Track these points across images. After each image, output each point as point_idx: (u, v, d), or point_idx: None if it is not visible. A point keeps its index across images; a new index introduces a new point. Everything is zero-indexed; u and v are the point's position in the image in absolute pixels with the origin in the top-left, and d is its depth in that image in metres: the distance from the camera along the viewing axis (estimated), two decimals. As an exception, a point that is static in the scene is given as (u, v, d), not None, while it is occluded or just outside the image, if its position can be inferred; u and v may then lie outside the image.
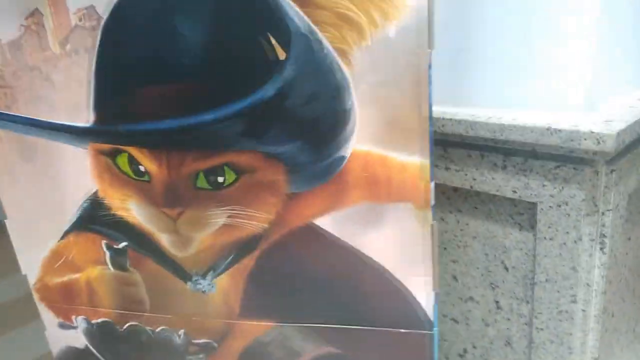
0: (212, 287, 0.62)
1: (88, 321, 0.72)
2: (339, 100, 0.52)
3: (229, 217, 0.58)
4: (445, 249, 0.94)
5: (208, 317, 0.65)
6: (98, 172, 0.61)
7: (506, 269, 0.87)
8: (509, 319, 0.90)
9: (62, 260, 0.69)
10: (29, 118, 0.61)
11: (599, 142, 0.68)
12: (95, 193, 0.63)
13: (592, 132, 0.68)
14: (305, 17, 0.50)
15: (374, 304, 0.60)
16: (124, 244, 0.64)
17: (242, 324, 0.64)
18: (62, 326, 0.74)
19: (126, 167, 0.59)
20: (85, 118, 0.58)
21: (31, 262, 0.71)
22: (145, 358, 0.70)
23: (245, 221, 0.57)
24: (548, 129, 0.72)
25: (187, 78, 0.54)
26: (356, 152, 0.55)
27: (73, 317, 0.73)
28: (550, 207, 0.78)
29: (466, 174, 0.85)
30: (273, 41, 0.51)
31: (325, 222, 0.56)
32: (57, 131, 0.60)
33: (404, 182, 0.55)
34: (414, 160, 0.54)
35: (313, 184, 0.56)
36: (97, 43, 0.56)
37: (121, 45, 0.56)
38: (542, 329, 0.84)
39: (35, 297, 0.74)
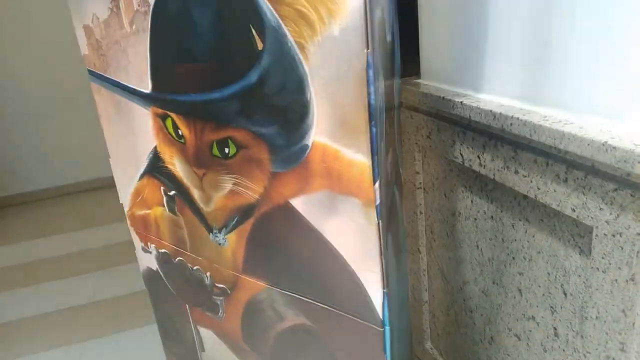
0: (225, 241, 0.72)
1: (156, 249, 0.90)
2: (301, 92, 0.55)
3: (233, 183, 0.66)
4: (513, 258, 0.87)
5: (223, 266, 0.76)
6: (155, 130, 0.76)
7: (565, 294, 0.77)
8: (564, 350, 0.80)
9: (140, 197, 0.87)
10: (114, 80, 0.79)
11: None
12: (155, 147, 0.78)
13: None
14: (274, 12, 0.54)
15: (335, 287, 0.62)
16: (173, 192, 0.79)
17: (244, 279, 0.73)
18: (143, 249, 0.93)
19: (171, 130, 0.72)
20: (147, 85, 0.73)
21: (125, 195, 0.91)
22: (187, 288, 0.85)
23: (243, 189, 0.65)
24: (604, 144, 0.62)
25: (203, 59, 0.63)
26: (316, 143, 0.57)
27: (148, 243, 0.92)
28: (605, 234, 0.67)
29: (531, 181, 0.77)
30: (254, 32, 0.57)
31: (298, 204, 0.60)
32: (130, 93, 0.77)
33: (352, 179, 0.55)
34: (360, 159, 0.55)
35: (288, 166, 0.60)
36: (149, 26, 0.69)
37: (161, 29, 0.68)
38: (589, 371, 0.73)
39: (128, 222, 0.94)
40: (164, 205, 0.82)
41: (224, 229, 0.73)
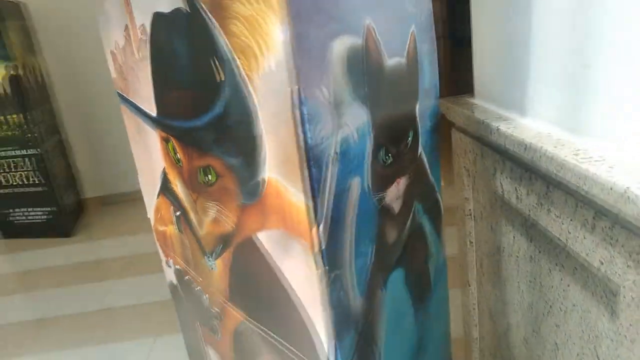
0: (215, 266, 0.71)
1: (173, 264, 0.92)
2: (253, 125, 0.52)
3: (216, 211, 0.66)
4: (551, 307, 0.76)
5: (215, 290, 0.75)
6: (162, 153, 0.77)
7: (597, 358, 0.66)
8: (597, 423, 0.68)
9: (159, 214, 0.89)
10: (133, 102, 0.82)
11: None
12: (164, 168, 0.79)
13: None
14: (228, 44, 0.52)
15: (294, 332, 0.58)
16: (178, 212, 0.80)
17: (230, 307, 0.72)
18: (166, 263, 0.96)
19: (172, 153, 0.73)
20: (154, 109, 0.74)
21: (150, 211, 0.95)
22: (195, 305, 0.85)
23: (224, 217, 0.64)
24: (626, 190, 0.52)
25: (187, 87, 0.63)
26: (270, 178, 0.54)
27: (168, 258, 0.94)
28: (632, 298, 0.56)
29: (563, 223, 0.67)
30: (215, 64, 0.55)
31: (262, 238, 0.57)
32: (144, 116, 0.79)
33: (299, 220, 0.51)
34: (300, 200, 0.50)
35: (252, 198, 0.57)
36: (148, 54, 0.70)
37: (157, 56, 0.69)
38: None
39: (154, 237, 0.97)
40: (174, 224, 0.84)
41: (213, 254, 0.73)
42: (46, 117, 2.76)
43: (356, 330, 0.59)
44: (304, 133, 0.47)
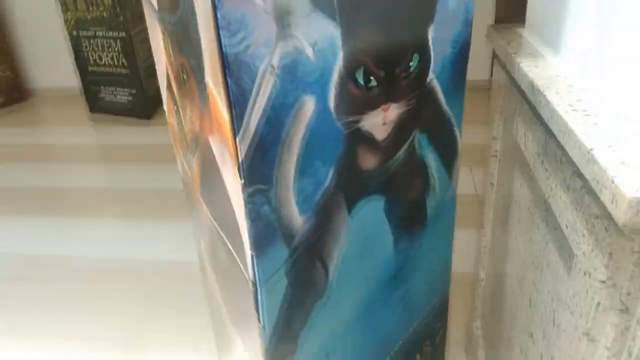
0: (193, 162, 0.72)
1: (178, 158, 0.94)
2: (196, 26, 0.51)
3: (189, 109, 0.66)
4: (532, 263, 0.72)
5: (195, 187, 0.77)
6: (162, 46, 0.77)
7: (553, 323, 0.63)
8: (544, 386, 0.66)
9: (168, 107, 0.90)
10: None
11: None
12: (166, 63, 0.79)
13: None
14: None
15: (235, 235, 0.59)
16: (175, 107, 0.81)
17: (203, 205, 0.74)
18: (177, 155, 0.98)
19: (167, 48, 0.73)
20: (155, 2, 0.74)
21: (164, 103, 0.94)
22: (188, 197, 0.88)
23: (193, 117, 0.64)
24: (589, 152, 0.46)
25: None
26: (208, 83, 0.52)
27: (177, 150, 0.96)
28: (579, 269, 0.51)
29: (549, 178, 0.62)
30: None
31: (212, 143, 0.57)
32: (151, 5, 0.78)
33: (226, 130, 0.49)
34: (223, 109, 0.48)
35: (204, 102, 0.56)
36: None
37: None
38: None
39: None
40: (174, 118, 0.86)
41: (191, 151, 0.74)
42: (134, 2, 2.86)
43: (289, 247, 0.60)
44: (219, 40, 0.45)
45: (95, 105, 3.06)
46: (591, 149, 0.45)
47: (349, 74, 0.59)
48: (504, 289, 0.90)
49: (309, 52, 0.52)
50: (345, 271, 0.72)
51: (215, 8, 0.44)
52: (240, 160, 0.49)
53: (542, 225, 0.67)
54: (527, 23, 0.85)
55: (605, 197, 0.42)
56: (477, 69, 2.69)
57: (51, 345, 1.45)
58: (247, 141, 0.49)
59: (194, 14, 0.50)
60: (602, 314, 0.47)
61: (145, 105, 2.91)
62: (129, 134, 2.82)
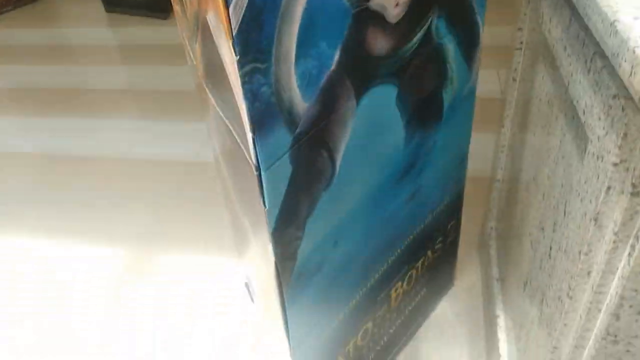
0: (195, 46, 0.69)
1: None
2: None
3: None
4: (548, 156, 0.70)
5: (199, 74, 0.74)
6: None
7: (564, 213, 0.61)
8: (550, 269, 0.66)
9: None
10: None
11: None
12: None
13: None
14: None
15: (236, 116, 0.57)
16: None
17: (207, 92, 0.72)
18: None
19: None
20: None
21: None
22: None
23: None
24: (613, 22, 0.42)
25: None
26: None
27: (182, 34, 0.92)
28: (593, 154, 0.49)
29: (570, 64, 0.58)
30: None
31: (210, 19, 0.54)
32: None
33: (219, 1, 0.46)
34: None
35: None
36: None
37: None
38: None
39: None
40: (178, 4, 0.81)
41: (194, 34, 0.71)
42: None
43: (292, 133, 0.59)
44: None
45: (111, 3, 2.99)
46: (614, 21, 0.41)
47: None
48: (519, 187, 0.88)
49: None
50: (353, 162, 0.71)
51: None
52: (233, 33, 0.47)
53: (561, 116, 0.64)
54: None
55: (624, 70, 0.39)
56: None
57: (74, 242, 1.52)
58: (240, 11, 0.46)
59: None
60: (612, 198, 0.45)
61: (161, 4, 2.83)
62: (146, 33, 2.77)
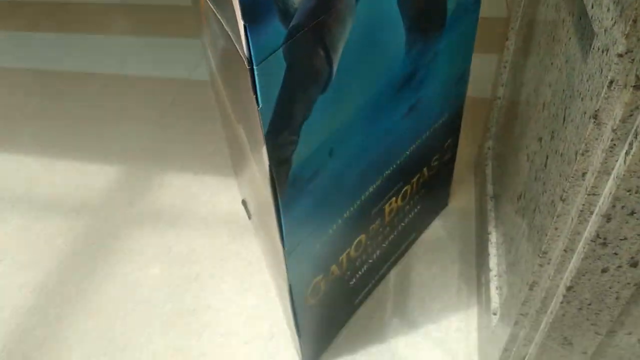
0: None
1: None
2: None
3: None
4: (551, 63, 0.68)
5: None
6: None
7: (563, 119, 0.60)
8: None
9: None
10: None
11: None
12: None
13: None
14: None
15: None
16: None
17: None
18: None
19: None
20: None
21: None
22: None
23: None
24: None
25: None
26: None
27: None
28: (598, 49, 0.47)
29: (582, -44, 0.54)
30: None
31: None
32: None
33: None
34: None
35: None
36: None
37: None
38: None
39: None
40: None
41: None
42: None
43: (287, 26, 0.56)
44: None
45: None
46: None
47: None
48: (519, 102, 0.87)
49: None
50: (351, 65, 0.68)
51: None
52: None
53: (568, 18, 0.62)
54: None
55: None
56: None
57: (70, 160, 1.51)
58: None
59: None
60: (614, 92, 0.44)
61: None
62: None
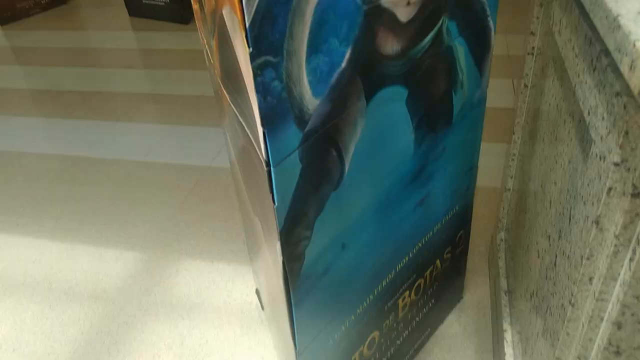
0: (212, 45, 0.70)
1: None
2: None
3: None
4: (555, 162, 0.69)
5: (215, 72, 0.75)
6: None
7: (569, 219, 0.60)
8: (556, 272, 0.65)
9: None
10: None
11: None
12: None
13: None
14: None
15: (249, 111, 0.58)
16: None
17: (223, 89, 0.73)
18: None
19: None
20: None
21: None
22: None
23: None
24: (615, 19, 0.42)
25: None
26: None
27: (200, 33, 0.93)
28: (596, 155, 0.48)
29: (577, 64, 0.57)
30: None
31: (225, 14, 0.55)
32: None
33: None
34: None
35: None
36: None
37: None
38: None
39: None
40: (197, 2, 0.83)
41: (211, 32, 0.72)
42: None
43: (303, 130, 0.59)
44: None
45: (134, 8, 3.06)
46: (617, 15, 0.41)
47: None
48: (527, 196, 0.87)
49: None
50: (362, 163, 0.70)
51: None
52: (246, 26, 0.47)
53: (568, 120, 0.63)
54: None
55: (625, 66, 0.38)
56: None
57: (91, 245, 1.54)
58: (254, 4, 0.47)
59: None
60: (613, 200, 0.44)
61: (183, 9, 2.89)
62: (167, 38, 2.82)
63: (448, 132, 0.84)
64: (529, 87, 0.90)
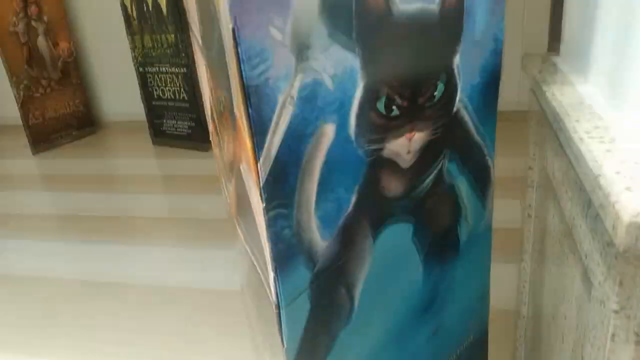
0: (230, 188, 0.76)
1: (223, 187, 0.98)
2: (225, 60, 0.54)
3: (226, 139, 0.69)
4: (563, 295, 0.70)
5: (232, 210, 0.80)
6: (205, 78, 0.82)
7: (582, 358, 0.60)
8: None
9: (213, 138, 0.95)
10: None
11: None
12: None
13: None
14: None
15: (263, 257, 0.61)
16: (217, 138, 0.85)
17: (237, 227, 0.77)
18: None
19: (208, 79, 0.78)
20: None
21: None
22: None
23: (229, 145, 0.67)
24: (596, 177, 0.46)
25: (203, 17, 0.66)
26: (236, 113, 0.55)
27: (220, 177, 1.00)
28: (597, 299, 0.50)
29: (572, 207, 0.60)
30: None
31: (243, 169, 0.60)
32: (194, 36, 0.84)
33: (250, 156, 0.52)
34: (248, 136, 0.51)
35: (235, 129, 0.60)
36: None
37: None
38: None
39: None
40: (217, 147, 0.89)
41: (229, 179, 0.77)
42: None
43: (312, 271, 0.61)
44: (241, 72, 0.49)
45: (159, 135, 3.24)
46: (598, 175, 0.45)
47: (370, 103, 0.61)
48: (541, 326, 0.87)
49: (328, 83, 0.55)
50: (371, 299, 0.72)
51: (236, 43, 0.48)
52: (261, 184, 0.52)
53: (571, 256, 0.66)
54: (561, 51, 0.85)
55: (608, 224, 0.41)
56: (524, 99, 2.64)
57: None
58: (268, 167, 0.52)
59: (223, 48, 0.55)
60: (617, 346, 0.45)
61: (203, 137, 3.06)
62: (188, 164, 2.97)
63: (456, 263, 0.86)
64: (532, 217, 0.93)
